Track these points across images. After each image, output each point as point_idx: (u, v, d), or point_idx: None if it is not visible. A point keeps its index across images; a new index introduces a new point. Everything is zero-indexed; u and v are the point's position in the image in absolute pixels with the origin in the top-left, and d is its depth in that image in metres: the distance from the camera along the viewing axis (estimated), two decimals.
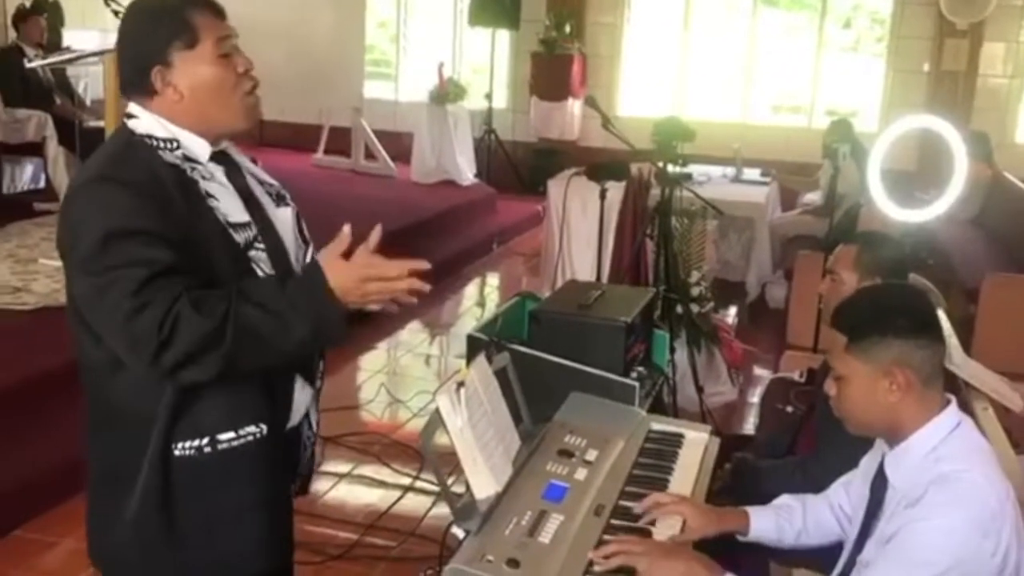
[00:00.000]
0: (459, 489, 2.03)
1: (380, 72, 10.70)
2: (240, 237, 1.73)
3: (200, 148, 1.76)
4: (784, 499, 2.13)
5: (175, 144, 1.73)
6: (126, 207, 1.62)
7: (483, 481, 1.98)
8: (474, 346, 2.66)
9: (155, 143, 1.72)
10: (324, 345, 1.80)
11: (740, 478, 2.69)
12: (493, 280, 7.42)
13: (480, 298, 6.97)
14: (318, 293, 1.64)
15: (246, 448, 1.76)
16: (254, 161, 1.94)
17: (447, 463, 1.98)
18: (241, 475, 1.77)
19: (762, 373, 5.23)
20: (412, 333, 5.91)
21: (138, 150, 1.71)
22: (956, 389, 2.66)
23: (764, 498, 2.55)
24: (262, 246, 1.76)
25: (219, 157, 1.80)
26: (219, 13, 1.77)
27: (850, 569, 1.81)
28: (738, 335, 5.42)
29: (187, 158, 1.74)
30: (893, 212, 4.09)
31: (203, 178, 1.73)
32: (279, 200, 1.89)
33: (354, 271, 1.66)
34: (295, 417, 1.90)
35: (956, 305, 5.62)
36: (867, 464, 1.94)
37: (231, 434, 1.74)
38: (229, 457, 1.75)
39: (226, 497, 1.77)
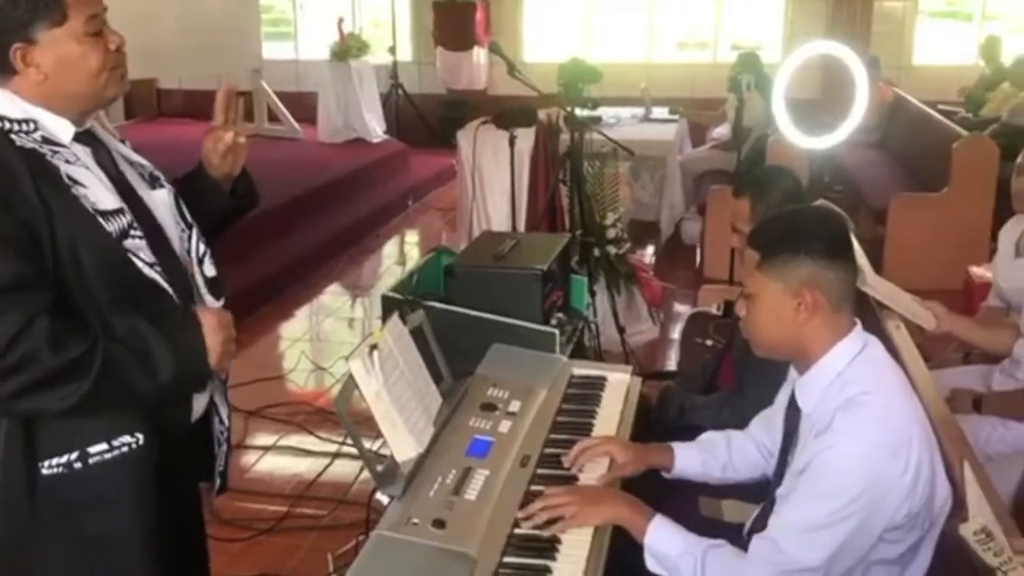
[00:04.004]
0: (388, 451, 1.99)
1: (279, 32, 10.39)
2: (113, 226, 1.59)
3: (62, 129, 1.62)
4: (708, 435, 2.14)
5: (32, 126, 1.59)
6: None
7: (404, 444, 1.94)
8: (390, 306, 2.60)
9: (8, 125, 1.57)
10: (184, 391, 1.72)
11: (667, 409, 2.69)
12: (412, 237, 7.32)
13: (400, 256, 6.88)
14: (191, 343, 1.63)
15: (121, 461, 1.63)
16: (122, 141, 1.80)
17: (371, 427, 1.93)
18: (118, 493, 1.64)
19: (682, 309, 5.28)
20: (333, 297, 5.81)
21: None
22: (869, 310, 2.71)
23: (691, 433, 2.57)
24: (139, 233, 1.63)
25: (84, 138, 1.67)
26: None
27: (772, 504, 1.82)
28: (656, 273, 5.45)
29: (46, 140, 1.59)
30: (799, 140, 4.12)
31: (67, 162, 1.59)
32: (153, 182, 1.77)
33: (226, 330, 1.69)
34: (195, 413, 1.80)
35: (865, 227, 5.75)
36: (783, 398, 1.95)
37: (103, 446, 1.61)
38: (102, 472, 1.61)
39: (100, 519, 1.64)
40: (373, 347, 1.93)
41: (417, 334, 2.19)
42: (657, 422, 2.66)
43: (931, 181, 5.69)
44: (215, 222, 1.89)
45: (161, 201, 1.75)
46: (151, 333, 1.57)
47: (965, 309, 3.92)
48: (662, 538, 1.75)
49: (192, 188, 1.86)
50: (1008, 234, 3.14)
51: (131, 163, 1.77)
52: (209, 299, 1.77)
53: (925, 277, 4.76)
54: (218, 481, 1.94)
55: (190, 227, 1.78)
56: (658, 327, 4.91)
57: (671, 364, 4.54)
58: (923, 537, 1.70)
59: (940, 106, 7.19)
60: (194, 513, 1.96)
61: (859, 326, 1.77)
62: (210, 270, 1.78)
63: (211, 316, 1.67)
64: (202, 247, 1.78)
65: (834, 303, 1.72)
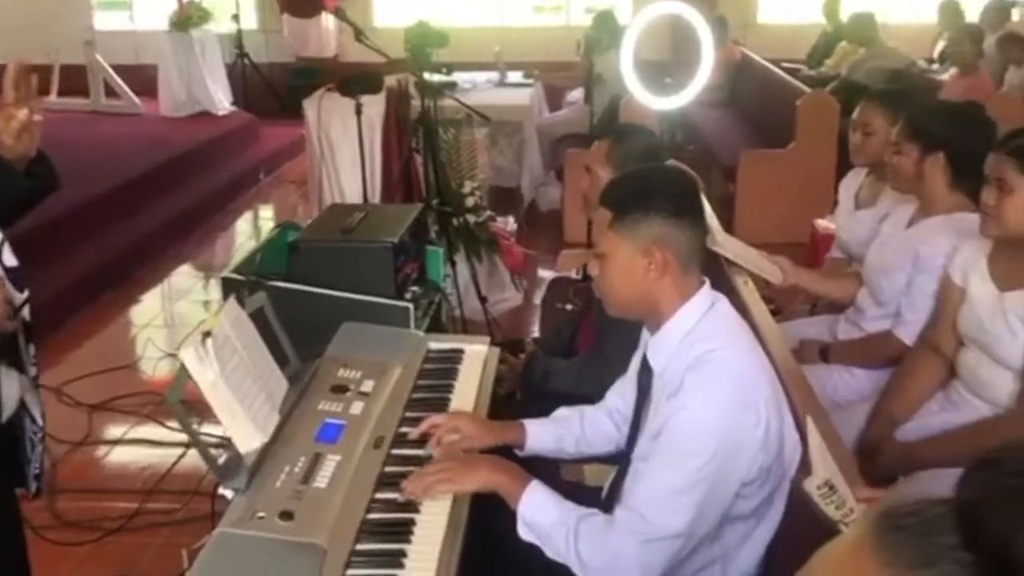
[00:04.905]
0: None
1: (112, 1, 9.81)
2: None
3: None
4: (562, 410, 2.11)
5: None
6: None
7: (246, 434, 1.84)
8: (232, 288, 2.47)
9: None
10: None
11: (533, 373, 2.66)
12: (266, 212, 7.06)
13: (254, 232, 6.62)
14: None
15: None
16: None
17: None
18: None
19: (546, 274, 5.26)
20: (184, 278, 5.55)
21: None
22: (718, 268, 2.74)
23: (554, 398, 2.56)
24: None
25: None
26: None
27: (627, 467, 1.81)
28: (519, 240, 5.42)
29: None
30: (648, 101, 4.15)
31: None
32: None
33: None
34: (6, 412, 1.66)
35: (716, 184, 5.89)
36: (636, 363, 1.94)
37: None
38: None
39: None
40: (206, 334, 1.81)
41: (258, 316, 2.08)
42: (523, 386, 2.64)
43: (777, 137, 5.86)
44: (10, 207, 1.73)
45: None
46: None
47: (812, 261, 4.05)
48: (536, 506, 1.71)
49: None
50: (847, 187, 3.24)
51: None
52: (12, 291, 1.62)
53: (774, 231, 4.91)
54: (35, 485, 1.79)
55: None
56: (522, 294, 4.90)
57: (536, 331, 4.53)
58: (775, 490, 1.72)
59: (784, 64, 7.41)
60: (11, 519, 1.81)
61: (707, 285, 1.78)
62: (10, 259, 1.65)
63: None
64: None
65: (683, 262, 1.72)
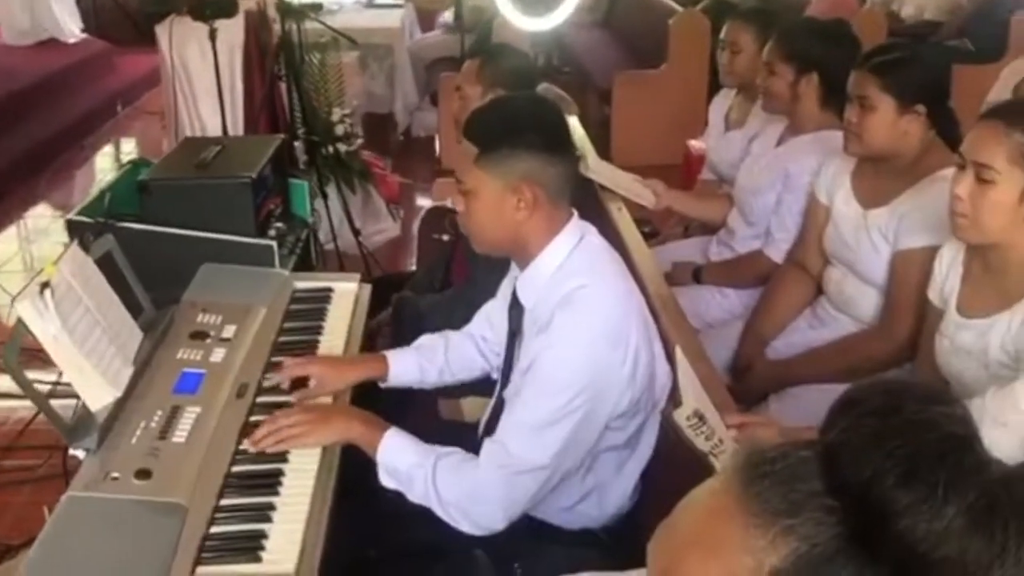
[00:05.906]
0: None
1: None
2: None
3: None
4: (426, 338, 2.06)
5: None
6: None
7: (96, 390, 1.72)
8: (78, 231, 2.30)
9: None
10: None
11: (403, 317, 2.59)
12: (127, 146, 6.68)
13: (115, 167, 6.24)
14: None
15: None
16: None
17: None
18: None
19: (424, 203, 5.16)
20: (43, 220, 5.22)
21: None
22: (592, 194, 2.71)
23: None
24: None
25: None
26: None
27: (501, 405, 1.77)
28: (396, 168, 5.28)
29: None
30: (518, 21, 4.05)
31: None
32: None
33: None
34: None
35: (593, 108, 5.85)
36: (505, 291, 1.89)
37: None
38: None
39: None
40: (45, 284, 1.67)
41: (106, 262, 1.94)
42: (397, 336, 2.57)
43: (651, 58, 5.82)
44: None
45: None
46: None
47: (686, 183, 4.07)
48: (394, 452, 1.66)
49: None
50: (717, 108, 3.24)
51: None
52: None
53: (650, 153, 4.92)
54: None
55: None
56: (399, 224, 4.79)
57: (414, 263, 4.43)
58: (646, 421, 1.72)
59: None
60: None
61: (575, 217, 1.73)
62: None
63: None
64: None
65: (553, 198, 1.67)
